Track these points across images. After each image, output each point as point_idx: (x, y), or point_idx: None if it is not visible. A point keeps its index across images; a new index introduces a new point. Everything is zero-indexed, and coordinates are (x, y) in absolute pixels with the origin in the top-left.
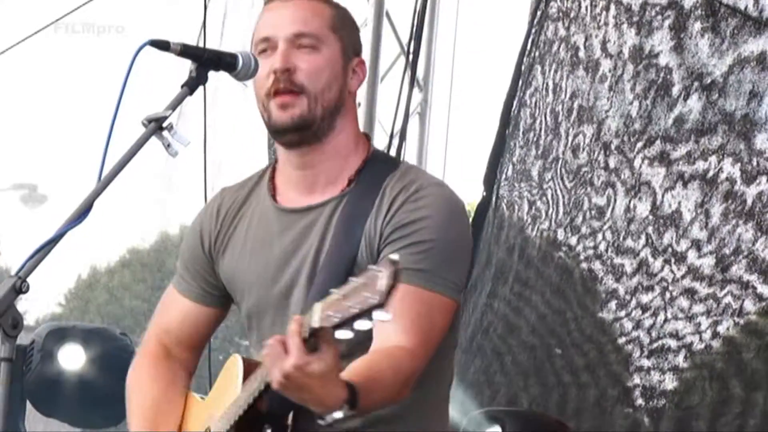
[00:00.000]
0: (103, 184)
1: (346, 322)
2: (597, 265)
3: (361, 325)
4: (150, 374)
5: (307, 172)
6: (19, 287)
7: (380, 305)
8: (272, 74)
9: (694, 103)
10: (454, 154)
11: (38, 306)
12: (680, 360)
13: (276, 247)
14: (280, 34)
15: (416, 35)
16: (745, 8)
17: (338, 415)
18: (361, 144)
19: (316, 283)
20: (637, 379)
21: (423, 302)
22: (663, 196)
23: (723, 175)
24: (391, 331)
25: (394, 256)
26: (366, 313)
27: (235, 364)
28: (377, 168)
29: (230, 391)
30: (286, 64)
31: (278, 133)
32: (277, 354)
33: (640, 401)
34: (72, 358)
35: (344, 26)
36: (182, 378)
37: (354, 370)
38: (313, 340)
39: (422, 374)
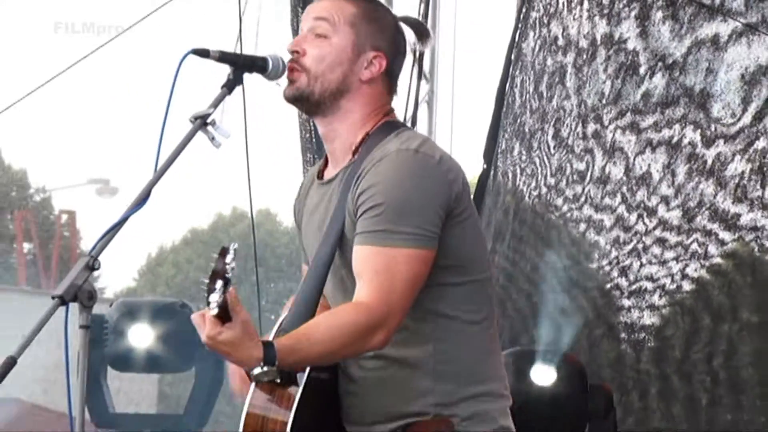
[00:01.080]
0: (158, 175)
1: (219, 296)
2: (581, 222)
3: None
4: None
5: (329, 145)
6: (92, 265)
7: (224, 287)
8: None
9: (659, 80)
10: (459, 135)
11: (116, 281)
12: (656, 299)
13: (316, 215)
14: (305, 25)
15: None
16: (720, 3)
17: (257, 371)
18: (372, 120)
19: (317, 252)
20: (620, 317)
21: (380, 259)
22: (634, 160)
23: (686, 140)
24: (357, 290)
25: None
26: (216, 292)
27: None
28: (374, 140)
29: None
30: (295, 47)
31: (288, 102)
32: (198, 326)
33: (623, 335)
34: (140, 335)
35: (363, 23)
36: None
37: (291, 332)
38: (223, 315)
39: (431, 323)
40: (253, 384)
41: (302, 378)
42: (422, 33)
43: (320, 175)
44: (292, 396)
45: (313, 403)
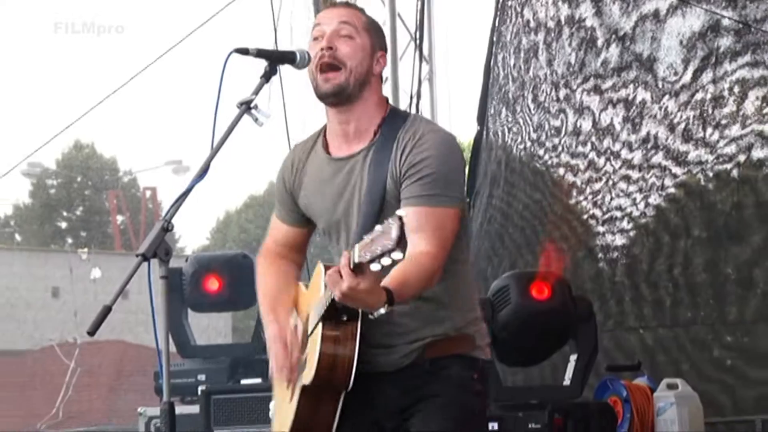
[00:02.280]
0: (214, 152)
1: (374, 260)
2: (560, 167)
3: (384, 261)
4: (270, 270)
5: (344, 126)
6: (166, 227)
7: (394, 249)
8: (320, 51)
9: (614, 50)
10: (455, 105)
11: (193, 241)
12: (625, 224)
13: (331, 186)
14: (328, 27)
15: (420, 26)
16: None
17: (381, 311)
18: (381, 107)
19: (362, 212)
20: (596, 241)
21: (436, 217)
22: (599, 115)
23: (639, 97)
24: (417, 242)
25: (401, 212)
26: (386, 254)
27: (319, 272)
28: (392, 123)
29: (317, 290)
30: (329, 43)
31: (322, 98)
32: (336, 280)
33: (600, 255)
34: (211, 282)
35: (372, 29)
36: (293, 270)
37: (390, 277)
38: (357, 268)
39: (446, 266)
40: (320, 333)
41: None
42: None
43: (327, 151)
44: (352, 330)
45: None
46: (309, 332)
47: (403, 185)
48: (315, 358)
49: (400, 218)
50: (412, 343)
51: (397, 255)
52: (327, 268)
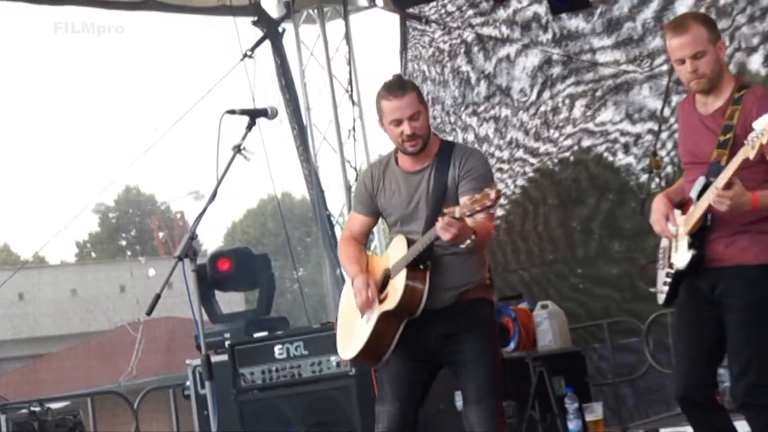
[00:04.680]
0: (218, 182)
1: (472, 215)
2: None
3: (477, 216)
4: (348, 244)
5: (414, 154)
6: (192, 236)
7: (492, 206)
8: (404, 134)
9: (483, 84)
10: (379, 133)
11: (211, 244)
12: (502, 201)
13: (404, 190)
14: (404, 115)
15: (350, 81)
16: (507, 36)
17: (468, 243)
18: (434, 139)
19: (430, 205)
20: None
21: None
22: (478, 129)
23: (503, 114)
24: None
25: (494, 185)
26: (484, 210)
27: (402, 240)
28: (445, 148)
29: (399, 252)
30: (411, 131)
31: (407, 153)
32: (447, 222)
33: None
34: (222, 264)
35: (424, 101)
36: (363, 248)
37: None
38: (459, 220)
39: None
40: (404, 274)
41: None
42: None
43: (400, 167)
44: (426, 275)
45: None
46: (392, 277)
47: (461, 183)
48: (401, 290)
49: (497, 190)
50: (454, 290)
51: (492, 209)
52: (409, 241)
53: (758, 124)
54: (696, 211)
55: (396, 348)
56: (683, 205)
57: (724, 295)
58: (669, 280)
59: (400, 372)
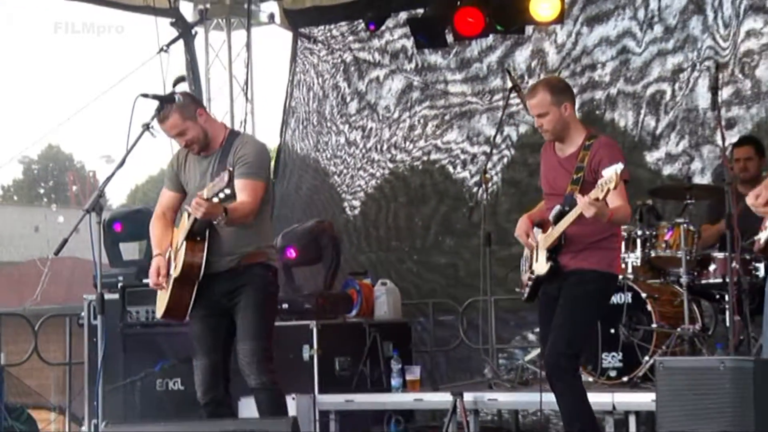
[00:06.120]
0: (128, 152)
1: (215, 195)
2: (329, 164)
3: (220, 195)
4: (155, 226)
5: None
6: (100, 194)
7: (225, 187)
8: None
9: (356, 100)
10: (267, 125)
11: (116, 202)
12: (361, 195)
13: (197, 172)
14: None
15: (246, 81)
16: (379, 61)
17: (219, 219)
18: (220, 132)
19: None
20: (345, 204)
21: (253, 186)
22: (349, 135)
23: (369, 126)
24: (240, 196)
25: (231, 168)
26: (221, 191)
27: (185, 215)
28: (230, 138)
29: (183, 226)
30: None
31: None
32: (196, 202)
33: (348, 212)
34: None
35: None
36: (170, 223)
37: (230, 205)
38: (208, 200)
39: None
40: (184, 246)
41: None
42: None
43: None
44: (203, 245)
45: None
46: (178, 249)
47: (235, 168)
48: (181, 260)
49: (230, 171)
50: (231, 255)
51: (227, 191)
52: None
53: (607, 172)
54: (554, 233)
55: (196, 307)
56: (543, 225)
57: (562, 288)
58: (530, 283)
59: (203, 329)
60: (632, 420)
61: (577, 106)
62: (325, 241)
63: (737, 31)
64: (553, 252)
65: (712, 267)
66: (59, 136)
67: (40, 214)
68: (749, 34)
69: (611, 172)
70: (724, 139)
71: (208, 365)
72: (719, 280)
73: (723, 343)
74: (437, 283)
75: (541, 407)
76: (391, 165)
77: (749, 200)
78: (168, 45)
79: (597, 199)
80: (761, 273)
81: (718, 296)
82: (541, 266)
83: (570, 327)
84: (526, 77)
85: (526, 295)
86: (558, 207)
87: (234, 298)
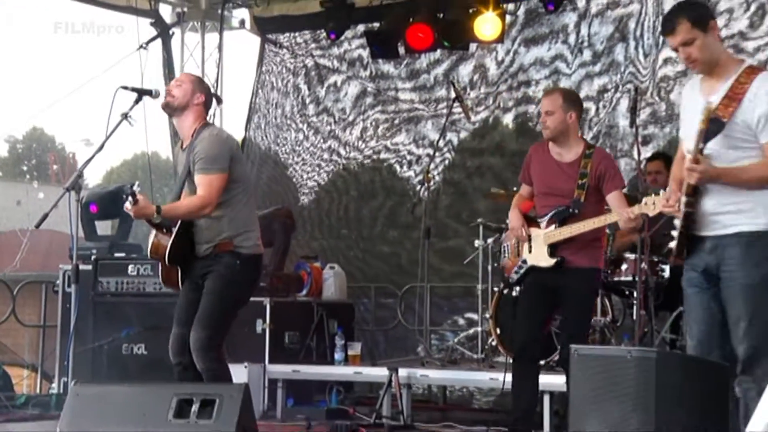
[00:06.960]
0: (106, 138)
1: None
2: (288, 158)
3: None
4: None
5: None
6: (80, 174)
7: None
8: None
9: (314, 104)
10: (234, 120)
11: (93, 182)
12: (316, 187)
13: (180, 166)
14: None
15: (216, 79)
16: (337, 68)
17: (154, 218)
18: (198, 122)
19: (180, 178)
20: (300, 195)
21: (208, 180)
22: (308, 133)
23: (327, 127)
24: (197, 190)
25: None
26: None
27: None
28: (199, 132)
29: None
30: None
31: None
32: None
33: (303, 201)
34: (93, 208)
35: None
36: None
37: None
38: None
39: (225, 202)
40: (154, 233)
41: None
42: None
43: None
44: (168, 236)
45: None
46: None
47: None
48: (150, 244)
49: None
50: (208, 243)
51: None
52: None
53: (650, 199)
54: (564, 232)
55: (185, 281)
56: (532, 219)
57: (565, 284)
58: (521, 270)
59: (183, 302)
60: (546, 398)
61: (511, 117)
62: (276, 226)
63: (656, 59)
64: (555, 248)
65: (623, 266)
66: (43, 120)
67: (23, 189)
68: (666, 61)
69: (658, 198)
70: (639, 154)
71: (178, 335)
72: (629, 279)
73: (629, 334)
74: (380, 269)
75: (504, 386)
76: (344, 161)
77: (660, 203)
78: (147, 43)
79: (637, 216)
80: (666, 274)
81: (627, 292)
82: (542, 259)
83: (583, 321)
84: (468, 89)
85: (514, 280)
86: (562, 207)
87: (203, 282)
